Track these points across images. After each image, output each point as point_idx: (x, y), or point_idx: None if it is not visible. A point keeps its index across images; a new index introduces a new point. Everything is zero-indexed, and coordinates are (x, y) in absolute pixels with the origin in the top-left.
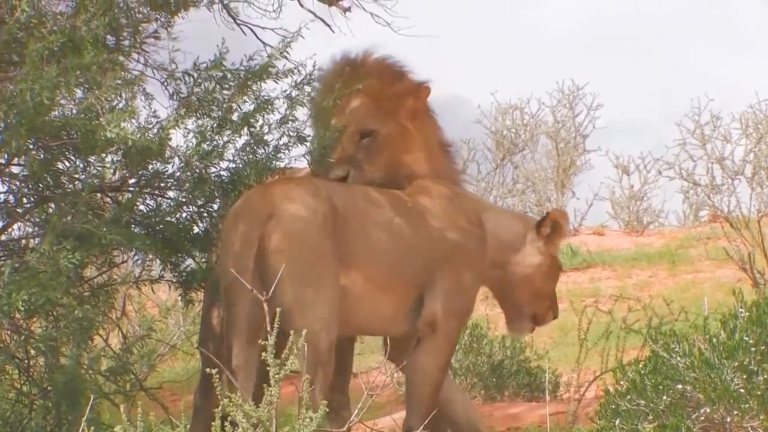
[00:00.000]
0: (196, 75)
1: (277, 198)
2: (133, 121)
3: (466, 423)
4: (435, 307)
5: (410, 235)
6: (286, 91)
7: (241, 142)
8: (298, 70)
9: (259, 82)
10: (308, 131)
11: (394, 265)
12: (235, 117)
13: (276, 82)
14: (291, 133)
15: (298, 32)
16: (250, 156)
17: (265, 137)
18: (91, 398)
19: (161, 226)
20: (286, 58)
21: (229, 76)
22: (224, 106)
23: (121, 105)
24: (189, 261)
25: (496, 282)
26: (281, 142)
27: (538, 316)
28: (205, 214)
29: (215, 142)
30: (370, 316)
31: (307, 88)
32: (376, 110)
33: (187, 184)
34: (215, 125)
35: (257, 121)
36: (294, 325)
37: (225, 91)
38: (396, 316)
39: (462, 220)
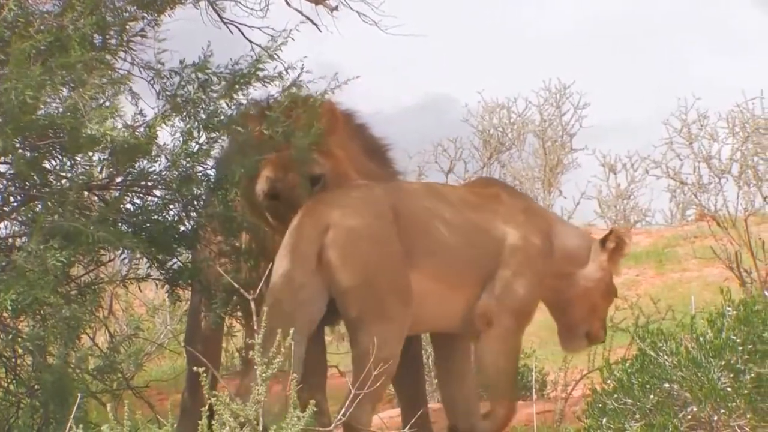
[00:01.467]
0: (181, 76)
1: (335, 209)
2: (119, 119)
3: (464, 418)
4: (489, 301)
5: (477, 233)
6: (273, 95)
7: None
8: (288, 73)
9: (246, 87)
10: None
11: (462, 264)
12: (219, 120)
13: (265, 86)
14: (277, 131)
15: (288, 35)
16: (236, 155)
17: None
18: (79, 397)
19: (148, 225)
20: (275, 58)
21: (214, 78)
22: (210, 109)
23: (105, 103)
24: (175, 259)
25: (556, 294)
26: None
27: (591, 334)
28: (192, 213)
29: (201, 142)
30: (438, 314)
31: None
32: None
33: (174, 183)
34: (201, 126)
35: (241, 126)
36: (358, 343)
37: (212, 93)
38: (465, 313)
39: (530, 227)
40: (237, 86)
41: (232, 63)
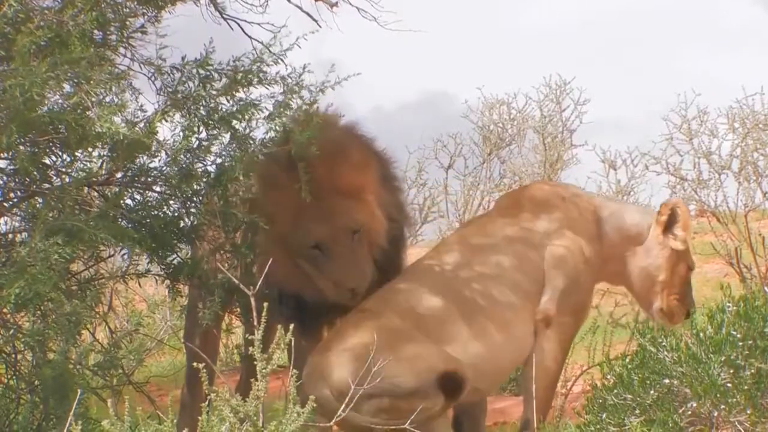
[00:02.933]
0: (182, 72)
1: None
2: (121, 115)
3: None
4: (548, 304)
5: (525, 252)
6: (273, 95)
7: (228, 137)
8: (289, 77)
9: (247, 86)
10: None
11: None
12: (219, 116)
13: (267, 88)
14: (277, 129)
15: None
16: (237, 151)
17: (251, 134)
18: (79, 393)
19: (148, 221)
20: (279, 62)
21: (215, 75)
22: (210, 105)
23: (109, 99)
24: (175, 255)
25: (617, 276)
26: (267, 137)
27: (665, 311)
28: (192, 209)
29: (201, 138)
30: None
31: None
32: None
33: (174, 179)
34: (200, 122)
35: (241, 122)
36: None
37: (212, 90)
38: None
39: (572, 222)
40: (238, 84)
41: (233, 59)
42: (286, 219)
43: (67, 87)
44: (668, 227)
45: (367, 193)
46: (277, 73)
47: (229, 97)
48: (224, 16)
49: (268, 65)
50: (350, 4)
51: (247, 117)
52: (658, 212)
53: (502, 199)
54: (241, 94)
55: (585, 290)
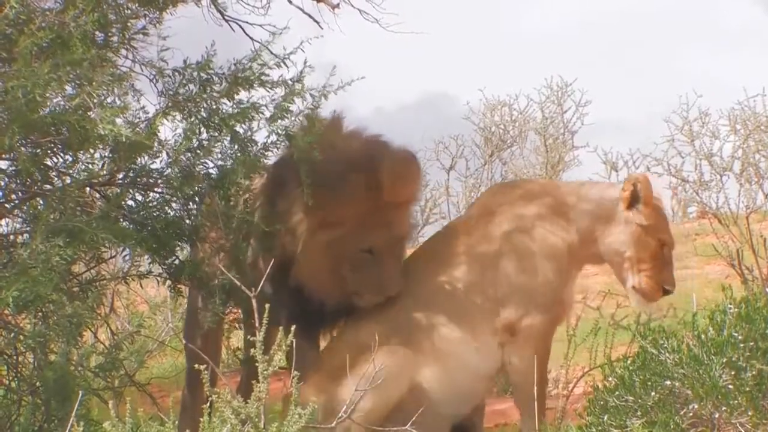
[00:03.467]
0: (183, 74)
1: None
2: (123, 116)
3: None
4: (508, 313)
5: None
6: (275, 99)
7: (227, 139)
8: (290, 81)
9: (248, 89)
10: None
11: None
12: (219, 119)
13: (268, 91)
14: (279, 132)
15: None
16: (238, 153)
17: (253, 136)
18: (80, 394)
19: (149, 221)
20: (284, 64)
21: (215, 78)
22: (211, 108)
23: (111, 101)
24: (176, 256)
25: (596, 257)
26: (269, 141)
27: (637, 288)
28: (193, 210)
29: (202, 139)
30: None
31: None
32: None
33: (175, 181)
34: (201, 124)
35: (242, 123)
36: None
37: (212, 93)
38: None
39: (530, 218)
40: (238, 86)
41: (234, 62)
42: (350, 223)
43: (69, 88)
44: (633, 202)
45: (413, 204)
46: (280, 76)
47: (229, 100)
48: (226, 17)
49: (270, 68)
50: (352, 5)
51: (248, 120)
52: (622, 188)
53: (470, 207)
54: (241, 97)
55: (553, 285)
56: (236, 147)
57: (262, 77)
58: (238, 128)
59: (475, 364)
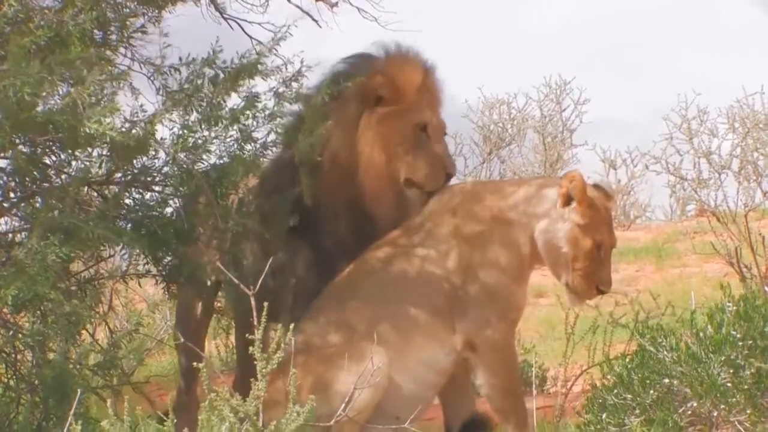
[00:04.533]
0: (187, 72)
1: None
2: (118, 116)
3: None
4: (465, 327)
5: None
6: (274, 87)
7: (228, 137)
8: (286, 68)
9: (248, 80)
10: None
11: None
12: (224, 112)
13: (264, 80)
14: (278, 130)
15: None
16: (238, 152)
17: (253, 133)
18: (79, 393)
19: (147, 221)
20: (275, 54)
21: (221, 74)
22: (213, 102)
23: (104, 100)
24: (173, 255)
25: (535, 258)
26: (269, 139)
27: (570, 286)
28: (191, 209)
29: (201, 136)
30: None
31: (295, 85)
32: None
33: (173, 179)
34: (202, 120)
35: (246, 118)
36: None
37: (221, 87)
38: None
39: (470, 224)
40: (240, 80)
41: (238, 57)
42: (402, 99)
43: (63, 88)
44: (568, 200)
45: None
46: (277, 67)
47: (234, 93)
48: (224, 16)
49: (264, 56)
50: (350, 4)
51: (251, 113)
52: (559, 185)
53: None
54: (244, 89)
55: (504, 292)
56: (235, 147)
57: (259, 65)
58: (243, 121)
59: (427, 376)
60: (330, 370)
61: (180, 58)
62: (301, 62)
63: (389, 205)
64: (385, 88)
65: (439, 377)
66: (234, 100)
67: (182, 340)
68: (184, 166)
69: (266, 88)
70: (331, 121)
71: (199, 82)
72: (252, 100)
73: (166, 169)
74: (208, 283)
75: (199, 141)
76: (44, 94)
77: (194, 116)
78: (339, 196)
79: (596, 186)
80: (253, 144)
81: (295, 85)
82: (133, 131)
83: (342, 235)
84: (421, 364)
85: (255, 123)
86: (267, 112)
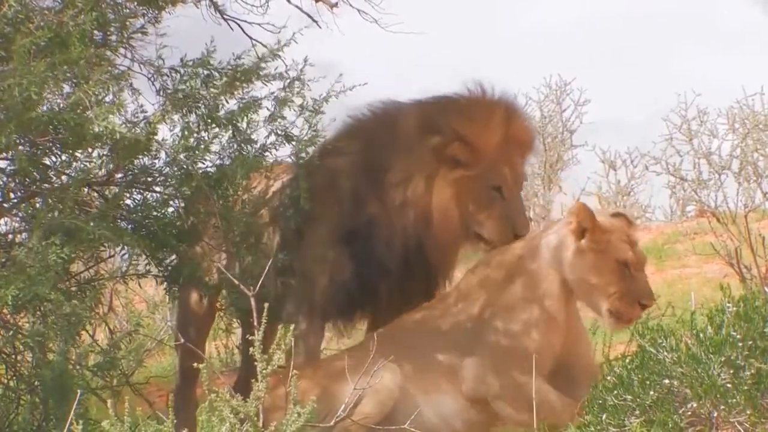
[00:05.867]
0: (182, 71)
1: None
2: (121, 115)
3: None
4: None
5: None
6: (273, 93)
7: (227, 138)
8: (287, 73)
9: (247, 84)
10: (296, 131)
11: None
12: (221, 114)
13: (265, 84)
14: (279, 132)
15: (292, 38)
16: (237, 153)
17: (253, 135)
18: (79, 393)
19: (148, 221)
20: (279, 57)
21: (216, 74)
22: (210, 104)
23: (108, 99)
24: (174, 256)
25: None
26: (269, 141)
27: (613, 311)
28: (192, 210)
29: (201, 138)
30: None
31: (297, 85)
32: None
33: (173, 180)
34: (200, 122)
35: (243, 120)
36: None
37: (212, 89)
38: None
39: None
40: (238, 82)
41: (234, 58)
42: (479, 161)
43: (66, 87)
44: (581, 232)
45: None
46: (276, 69)
47: (230, 96)
48: (225, 17)
49: (266, 61)
50: (350, 5)
51: (248, 116)
52: (567, 222)
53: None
54: (241, 93)
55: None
56: (235, 146)
57: (260, 70)
58: (239, 124)
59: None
60: (337, 382)
61: (181, 60)
62: (305, 60)
63: (450, 255)
64: (463, 154)
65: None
66: (233, 103)
67: (182, 340)
68: (185, 166)
69: (266, 92)
70: (409, 161)
71: (193, 83)
72: (248, 104)
73: (166, 169)
74: (209, 283)
75: (201, 144)
76: (47, 93)
77: (193, 117)
78: (400, 231)
79: (617, 214)
80: (252, 145)
81: (297, 84)
82: (136, 131)
83: (389, 266)
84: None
85: (255, 125)
86: (266, 116)
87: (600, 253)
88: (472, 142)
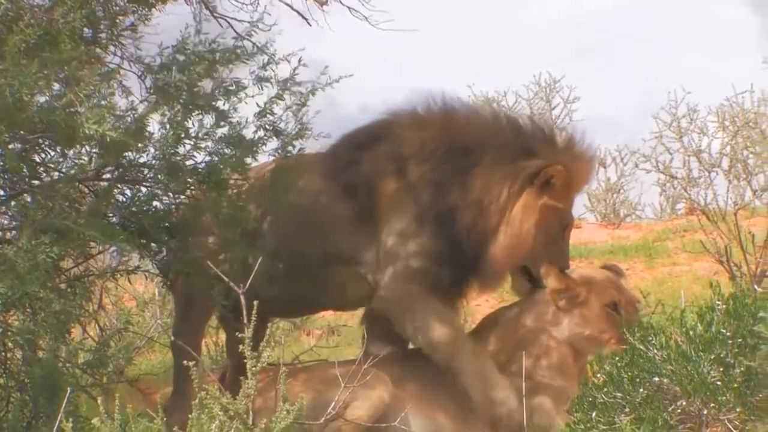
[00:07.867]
0: (160, 60)
1: None
2: (110, 115)
3: None
4: None
5: None
6: (254, 72)
7: (217, 134)
8: (269, 51)
9: (226, 65)
10: (283, 125)
11: None
12: (201, 102)
13: (245, 63)
14: (267, 127)
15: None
16: (227, 150)
17: (242, 131)
18: (69, 391)
19: (138, 216)
20: (266, 53)
21: (194, 59)
22: (192, 90)
23: (98, 100)
24: (166, 250)
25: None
26: (257, 136)
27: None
28: (182, 205)
29: (188, 129)
30: None
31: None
32: None
33: (162, 175)
34: (183, 109)
35: (224, 102)
36: None
37: (194, 74)
38: None
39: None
40: (217, 63)
41: (209, 42)
42: (570, 198)
43: (57, 87)
44: (556, 293)
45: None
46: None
47: (210, 78)
48: (214, 14)
49: (245, 39)
50: (341, 3)
51: (232, 99)
52: (546, 284)
53: None
54: (224, 76)
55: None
56: (224, 137)
57: (238, 50)
58: (220, 107)
59: None
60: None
61: (159, 45)
62: (299, 61)
63: (500, 275)
64: (559, 180)
65: None
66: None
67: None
68: (173, 161)
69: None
70: (496, 170)
71: (174, 70)
72: (229, 86)
73: (155, 163)
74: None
75: (189, 139)
76: (39, 94)
77: (177, 107)
78: (456, 237)
79: (607, 266)
80: (241, 141)
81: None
82: (125, 127)
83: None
84: None
85: (245, 123)
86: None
87: (583, 305)
88: (571, 177)
